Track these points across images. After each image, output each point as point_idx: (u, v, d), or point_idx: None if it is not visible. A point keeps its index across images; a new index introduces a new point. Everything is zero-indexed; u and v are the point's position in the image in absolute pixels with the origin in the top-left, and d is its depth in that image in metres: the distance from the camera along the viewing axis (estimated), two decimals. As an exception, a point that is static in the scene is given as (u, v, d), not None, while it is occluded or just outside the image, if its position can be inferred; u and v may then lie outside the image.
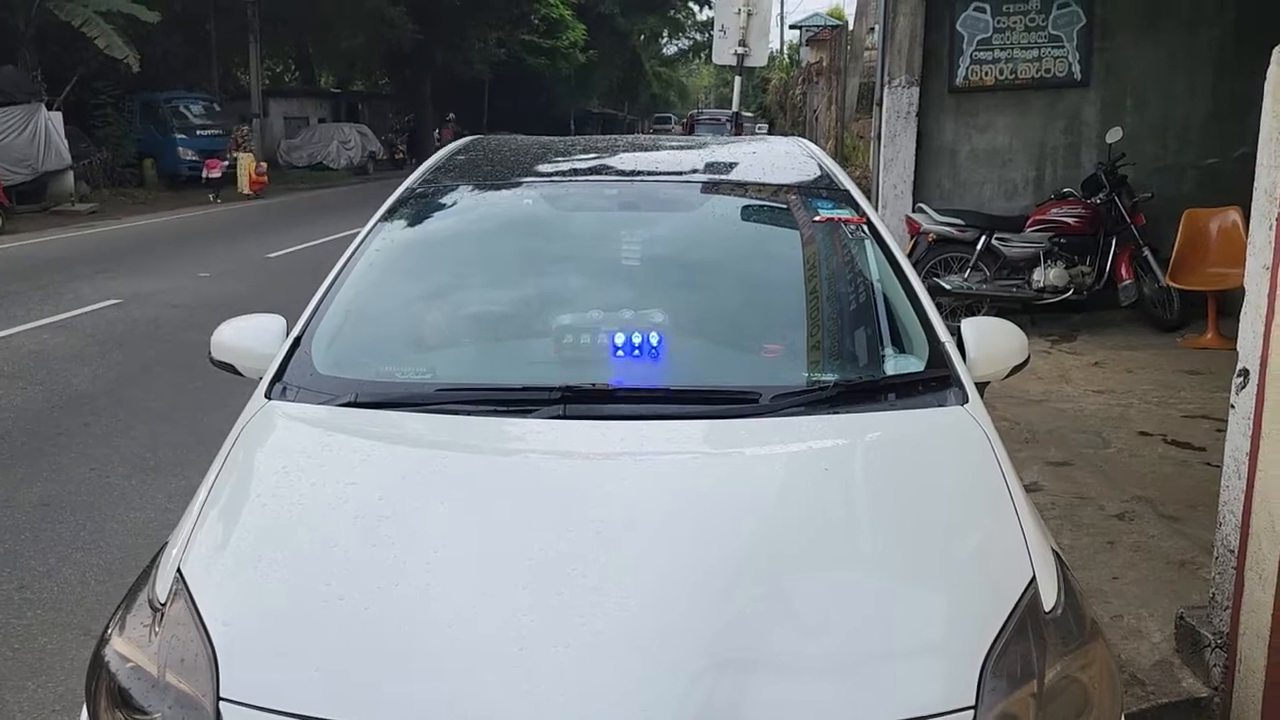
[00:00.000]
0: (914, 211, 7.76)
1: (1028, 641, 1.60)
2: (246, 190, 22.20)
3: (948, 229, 7.43)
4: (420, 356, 2.48)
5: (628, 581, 1.63)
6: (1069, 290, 7.28)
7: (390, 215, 2.92)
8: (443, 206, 3.02)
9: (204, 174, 21.83)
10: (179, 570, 1.73)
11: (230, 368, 2.58)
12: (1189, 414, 5.41)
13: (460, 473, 2.00)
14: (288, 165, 28.37)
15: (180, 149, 23.67)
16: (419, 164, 3.31)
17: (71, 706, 3.08)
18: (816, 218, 2.82)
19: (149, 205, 20.10)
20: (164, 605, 1.68)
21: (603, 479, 1.97)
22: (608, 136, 3.90)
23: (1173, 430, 5.14)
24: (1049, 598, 1.69)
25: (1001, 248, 7.38)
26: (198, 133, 24.10)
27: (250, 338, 2.56)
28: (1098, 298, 7.43)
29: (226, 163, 22.26)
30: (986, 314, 5.52)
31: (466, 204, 3.05)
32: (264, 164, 23.56)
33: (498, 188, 3.10)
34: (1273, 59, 2.47)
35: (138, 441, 5.60)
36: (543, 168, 3.26)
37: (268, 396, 2.28)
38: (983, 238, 7.38)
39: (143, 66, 19.74)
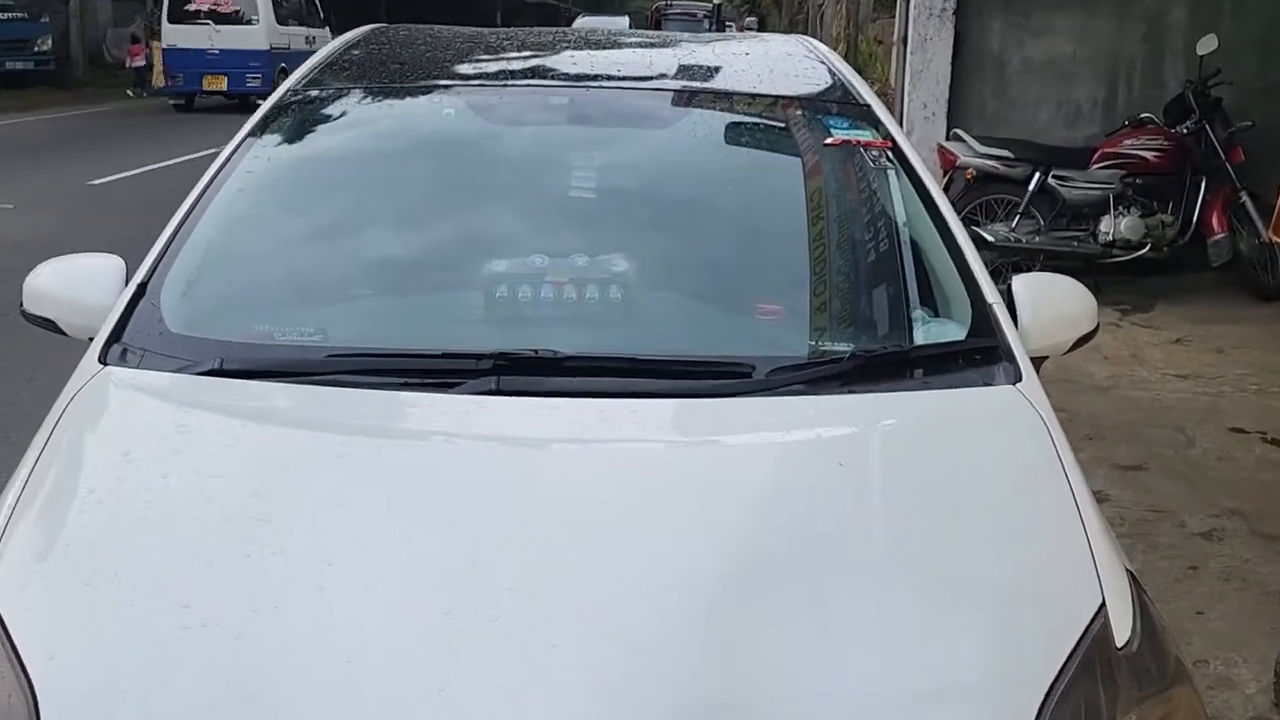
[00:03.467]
0: (949, 139, 7.82)
1: (1095, 683, 1.63)
2: (164, 84, 24.10)
3: (992, 163, 7.50)
4: (306, 312, 2.47)
5: (582, 606, 1.64)
6: (1145, 245, 7.39)
7: (264, 128, 2.89)
8: (334, 117, 3.00)
9: (127, 62, 24.88)
10: (-15, 589, 1.71)
11: (50, 324, 2.55)
12: (1295, 406, 5.54)
13: (361, 464, 2.00)
14: (117, 64, 27.94)
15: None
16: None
17: None
18: (828, 140, 2.84)
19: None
20: (-35, 634, 1.67)
21: (549, 473, 1.98)
22: (552, 29, 3.89)
23: (1274, 427, 5.26)
24: (1122, 630, 1.73)
25: (1060, 188, 7.47)
26: (-12, 16, 23.69)
27: (78, 284, 2.53)
28: (1182, 255, 7.55)
29: (149, 49, 24.70)
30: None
31: (366, 114, 3.03)
32: None
33: (407, 93, 3.08)
34: None
35: (-84, 426, 5.50)
36: (466, 68, 3.24)
37: (102, 361, 2.26)
38: (1036, 175, 7.46)
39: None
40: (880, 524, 1.92)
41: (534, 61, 3.33)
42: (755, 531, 1.84)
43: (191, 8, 22.51)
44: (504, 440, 2.06)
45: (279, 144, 2.87)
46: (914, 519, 1.92)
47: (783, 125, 3.03)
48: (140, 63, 25.15)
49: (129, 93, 24.73)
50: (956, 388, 2.24)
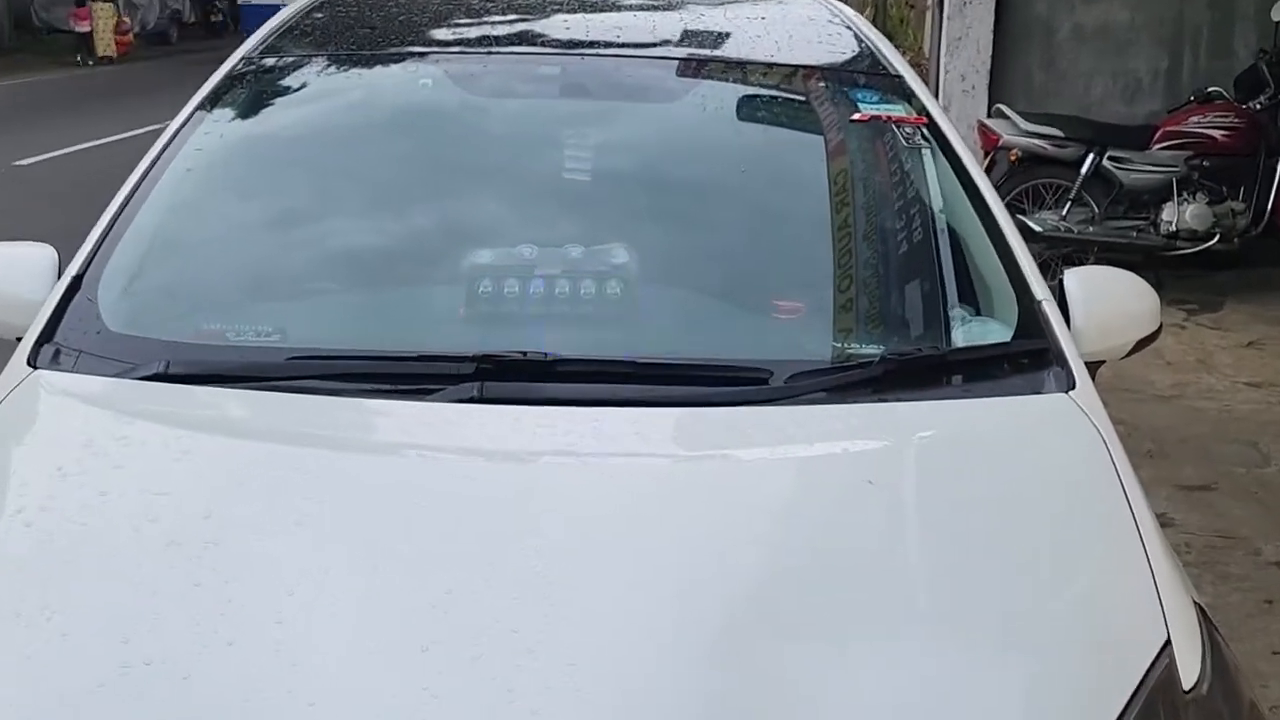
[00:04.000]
0: (990, 116, 7.82)
1: (1159, 731, 1.64)
2: (112, 52, 25.48)
3: (1039, 143, 7.50)
4: (264, 308, 2.48)
5: (576, 644, 1.64)
6: (1213, 236, 7.37)
7: (216, 101, 2.90)
8: (294, 88, 3.01)
9: (72, 25, 25.47)
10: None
11: (-29, 321, 2.55)
12: (1383, 418, 5.54)
13: (325, 481, 2.00)
14: (46, 28, 28.04)
15: None
16: (249, 33, 3.30)
17: None
18: (854, 115, 2.85)
19: None
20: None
21: (538, 492, 1.98)
22: None
23: (1360, 442, 5.26)
24: (1190, 671, 1.73)
25: (1117, 172, 7.46)
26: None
27: (4, 276, 2.52)
28: (1254, 247, 7.55)
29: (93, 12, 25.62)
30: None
31: (331, 85, 3.04)
32: (127, 20, 27.36)
33: (378, 61, 3.09)
34: None
35: None
36: (445, 33, 3.25)
37: (32, 364, 2.26)
38: (1090, 156, 7.46)
39: None
40: (915, 551, 1.93)
41: (522, 26, 3.33)
42: (772, 559, 1.85)
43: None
44: (488, 454, 2.07)
45: (232, 119, 2.88)
46: (953, 545, 1.92)
47: (803, 99, 3.04)
48: (86, 27, 25.28)
49: (78, 60, 24.97)
50: (1001, 396, 2.25)
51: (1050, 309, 2.42)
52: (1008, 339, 2.38)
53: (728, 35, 3.28)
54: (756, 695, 1.59)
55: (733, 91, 3.06)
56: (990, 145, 7.58)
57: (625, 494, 1.99)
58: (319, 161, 2.86)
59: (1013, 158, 7.52)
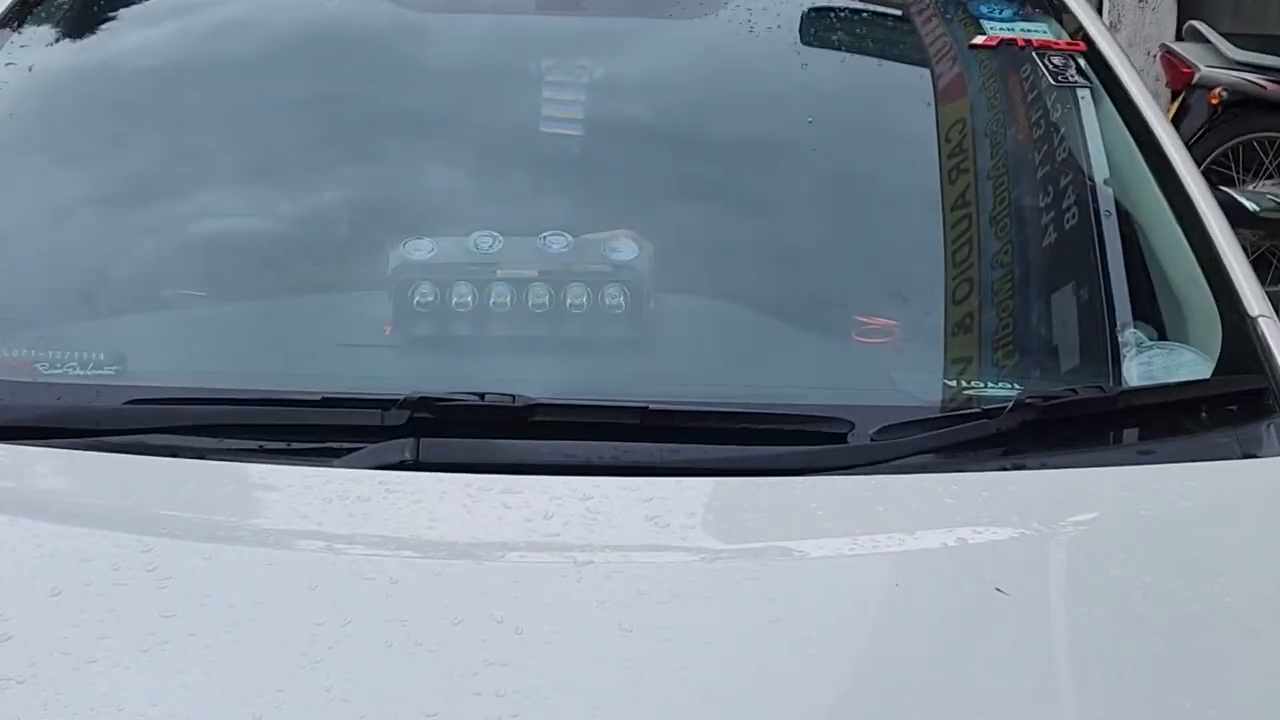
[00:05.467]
0: (1182, 40, 7.84)
1: None
2: None
3: (1254, 79, 7.52)
4: (92, 326, 2.50)
5: None
6: None
7: (22, 16, 2.93)
8: None
9: None
10: None
11: None
12: None
13: (182, 586, 1.98)
14: None
15: None
16: None
17: None
18: (977, 39, 2.86)
19: None
20: None
21: (502, 605, 1.96)
22: None
23: None
24: None
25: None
26: None
27: None
28: None
29: None
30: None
31: None
32: None
33: None
34: None
35: None
36: None
37: None
38: (1330, 101, 7.49)
39: None
40: (1069, 696, 1.90)
41: None
42: (855, 709, 1.84)
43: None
44: (425, 548, 2.05)
45: (49, 43, 2.91)
46: (1126, 685, 1.90)
47: (899, 14, 3.05)
48: None
49: None
50: (1198, 460, 2.24)
51: (1271, 329, 2.41)
52: (1207, 374, 2.38)
53: None
54: None
55: (793, 3, 3.06)
56: (1181, 83, 7.60)
57: (633, 609, 1.97)
58: (178, 107, 2.88)
59: (1214, 101, 7.53)
